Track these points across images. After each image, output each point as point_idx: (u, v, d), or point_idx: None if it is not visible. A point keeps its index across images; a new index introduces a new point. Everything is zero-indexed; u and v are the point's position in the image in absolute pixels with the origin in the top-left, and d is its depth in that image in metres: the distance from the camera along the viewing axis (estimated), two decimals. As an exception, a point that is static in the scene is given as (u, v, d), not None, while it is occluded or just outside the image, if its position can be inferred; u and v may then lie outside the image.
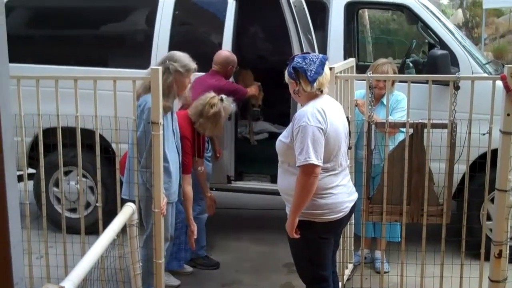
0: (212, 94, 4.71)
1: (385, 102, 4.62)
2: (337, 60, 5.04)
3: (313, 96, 3.40)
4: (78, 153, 4.14)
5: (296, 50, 4.89)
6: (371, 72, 4.63)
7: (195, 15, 6.04)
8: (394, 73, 4.90)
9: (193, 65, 4.27)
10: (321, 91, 3.40)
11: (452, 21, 21.51)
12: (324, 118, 3.29)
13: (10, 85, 2.09)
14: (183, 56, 4.25)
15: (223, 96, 4.71)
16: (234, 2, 5.53)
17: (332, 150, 3.36)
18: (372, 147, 4.36)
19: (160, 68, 3.79)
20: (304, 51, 4.79)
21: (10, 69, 2.07)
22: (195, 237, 4.71)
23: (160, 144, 3.79)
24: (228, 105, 4.69)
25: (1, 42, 1.88)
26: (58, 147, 4.18)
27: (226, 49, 5.41)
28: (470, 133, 4.07)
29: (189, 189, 4.55)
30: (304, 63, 3.35)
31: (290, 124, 3.42)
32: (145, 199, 4.08)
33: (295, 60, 3.40)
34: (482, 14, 18.08)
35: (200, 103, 4.64)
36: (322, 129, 3.27)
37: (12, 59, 2.13)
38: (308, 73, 3.32)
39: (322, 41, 5.55)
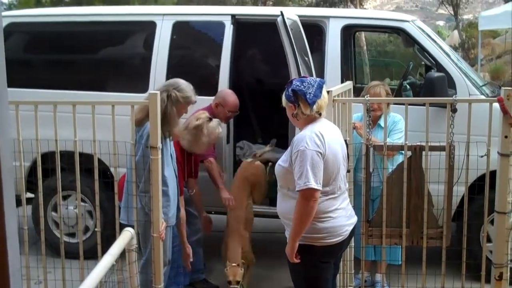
0: (204, 111, 4.74)
1: (382, 124, 4.65)
2: (334, 82, 5.08)
3: (311, 119, 3.42)
4: (77, 178, 4.14)
5: (293, 73, 4.92)
6: (366, 95, 4.67)
7: (192, 38, 6.09)
8: (387, 94, 4.95)
9: (194, 98, 4.30)
10: (320, 114, 3.42)
11: (448, 42, 21.70)
12: (322, 142, 3.31)
13: (9, 110, 2.09)
14: (187, 87, 4.26)
15: (215, 119, 4.73)
16: (232, 25, 5.58)
17: (331, 173, 3.37)
18: (371, 170, 4.37)
19: (158, 93, 3.81)
20: (302, 74, 4.82)
21: (9, 93, 2.07)
22: (191, 259, 4.69)
23: (159, 168, 3.80)
24: (214, 126, 4.68)
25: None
26: (57, 172, 4.18)
27: (231, 91, 5.38)
28: (468, 155, 4.08)
29: (182, 212, 4.55)
30: (303, 86, 3.37)
31: (289, 148, 3.43)
32: (143, 224, 4.07)
33: (293, 83, 3.42)
34: (478, 35, 18.20)
35: (190, 117, 4.68)
36: (320, 153, 3.29)
37: (10, 84, 2.14)
38: (308, 96, 3.35)
39: (319, 63, 5.59)
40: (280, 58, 5.21)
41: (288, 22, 4.95)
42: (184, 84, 4.29)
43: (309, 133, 3.34)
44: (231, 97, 5.32)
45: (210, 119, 4.69)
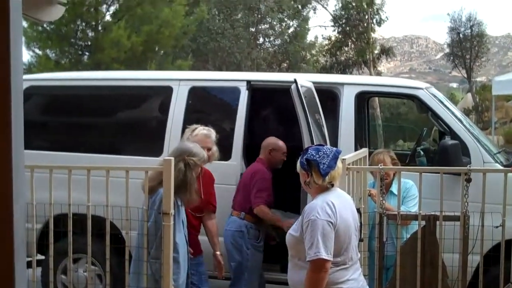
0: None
1: (394, 191, 4.62)
2: (348, 148, 5.08)
3: (323, 189, 3.41)
4: (88, 243, 4.12)
5: (306, 140, 4.93)
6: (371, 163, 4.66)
7: (208, 103, 6.17)
8: (392, 159, 4.92)
9: (205, 154, 4.33)
10: (332, 185, 3.41)
11: (461, 105, 21.78)
12: (333, 211, 3.28)
13: (24, 175, 2.10)
14: (197, 149, 4.28)
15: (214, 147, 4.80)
16: (247, 91, 5.64)
17: (342, 243, 3.32)
18: (384, 239, 4.31)
19: (172, 159, 3.82)
20: (315, 140, 4.84)
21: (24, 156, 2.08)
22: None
23: (171, 235, 3.78)
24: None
25: (17, 133, 1.90)
26: (68, 236, 4.17)
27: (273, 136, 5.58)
28: (483, 225, 4.03)
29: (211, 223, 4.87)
30: (317, 156, 3.37)
31: (300, 217, 3.41)
32: (153, 291, 4.02)
33: (308, 151, 3.42)
34: (491, 98, 18.27)
35: None
36: (331, 223, 3.25)
37: (26, 146, 2.15)
38: (321, 166, 3.34)
39: (333, 129, 5.61)
40: (294, 122, 5.24)
41: (302, 89, 5.00)
42: (193, 147, 4.31)
43: (321, 202, 3.32)
44: (279, 141, 5.53)
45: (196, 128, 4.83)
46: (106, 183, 4.01)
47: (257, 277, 5.30)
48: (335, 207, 3.30)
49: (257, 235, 5.25)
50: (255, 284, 5.25)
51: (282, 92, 5.38)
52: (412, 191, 4.77)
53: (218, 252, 4.92)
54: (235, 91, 5.70)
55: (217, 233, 4.96)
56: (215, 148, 4.83)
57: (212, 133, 4.82)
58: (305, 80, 5.49)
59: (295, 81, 4.98)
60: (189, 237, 4.51)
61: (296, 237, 3.38)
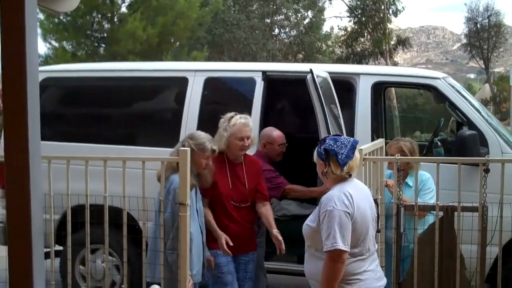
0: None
1: (409, 183, 4.58)
2: (364, 139, 5.04)
3: (341, 179, 3.38)
4: (106, 234, 4.14)
5: (322, 131, 4.91)
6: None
7: (223, 94, 6.15)
8: (408, 149, 4.86)
9: (209, 146, 4.23)
10: (350, 175, 3.39)
11: (479, 95, 21.57)
12: (351, 202, 3.26)
13: (41, 165, 2.11)
14: (202, 136, 4.27)
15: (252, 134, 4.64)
16: (262, 82, 5.62)
17: (359, 234, 3.30)
18: (402, 230, 4.28)
19: (188, 149, 3.82)
20: (331, 130, 4.81)
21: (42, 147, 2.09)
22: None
23: (187, 225, 3.78)
24: (236, 118, 4.58)
25: (34, 124, 1.90)
26: (86, 227, 4.20)
27: (270, 127, 5.42)
28: (502, 216, 3.98)
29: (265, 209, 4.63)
30: (335, 146, 3.34)
31: (317, 208, 3.39)
32: (168, 281, 4.03)
33: (326, 141, 3.39)
34: (509, 89, 18.08)
35: None
36: (349, 213, 3.23)
37: (43, 137, 2.16)
38: (339, 156, 3.32)
39: (349, 120, 5.57)
40: (310, 113, 5.22)
41: (318, 80, 4.97)
42: (199, 133, 4.31)
43: (338, 192, 3.30)
44: (274, 132, 5.36)
45: (234, 116, 4.59)
46: (122, 174, 4.02)
47: (261, 272, 5.20)
48: (352, 198, 3.28)
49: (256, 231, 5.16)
50: (261, 279, 5.18)
51: (298, 83, 5.34)
52: (428, 184, 4.71)
53: (275, 230, 4.65)
54: (251, 82, 5.67)
55: (272, 215, 4.76)
56: (253, 135, 4.74)
57: (249, 120, 4.68)
58: (321, 70, 5.45)
59: (311, 71, 4.95)
60: (243, 231, 4.45)
61: (313, 228, 3.36)
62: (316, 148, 3.45)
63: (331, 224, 3.20)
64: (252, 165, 4.74)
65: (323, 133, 4.80)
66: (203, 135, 4.30)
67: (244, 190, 4.57)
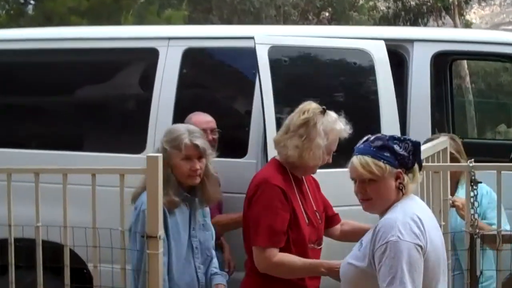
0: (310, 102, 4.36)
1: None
2: (421, 134, 5.03)
3: (401, 195, 3.37)
4: (39, 283, 4.16)
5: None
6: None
7: (210, 72, 6.16)
8: (455, 149, 4.88)
9: (187, 138, 4.14)
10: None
11: None
12: (422, 231, 3.22)
13: None
14: (177, 128, 4.29)
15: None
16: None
17: (430, 279, 3.26)
18: (478, 273, 4.27)
19: (159, 155, 3.83)
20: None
21: None
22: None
23: (160, 268, 3.78)
24: (332, 121, 4.23)
25: None
26: (9, 270, 4.21)
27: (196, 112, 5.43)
28: None
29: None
30: (403, 149, 3.34)
31: (365, 237, 3.36)
32: None
33: (388, 142, 3.32)
34: None
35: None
36: (421, 246, 3.18)
37: None
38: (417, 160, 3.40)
39: (400, 107, 5.49)
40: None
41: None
42: (176, 126, 4.40)
43: (402, 216, 3.25)
44: (195, 117, 5.30)
45: (324, 111, 4.30)
46: (63, 193, 4.04)
47: None
48: (423, 225, 3.24)
49: None
50: None
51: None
52: (494, 201, 4.71)
53: None
54: (251, 55, 5.65)
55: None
56: None
57: None
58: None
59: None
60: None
61: (360, 268, 3.32)
62: (373, 152, 3.33)
63: (397, 262, 3.14)
64: (310, 182, 4.37)
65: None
66: (180, 127, 4.29)
67: (317, 222, 4.21)
